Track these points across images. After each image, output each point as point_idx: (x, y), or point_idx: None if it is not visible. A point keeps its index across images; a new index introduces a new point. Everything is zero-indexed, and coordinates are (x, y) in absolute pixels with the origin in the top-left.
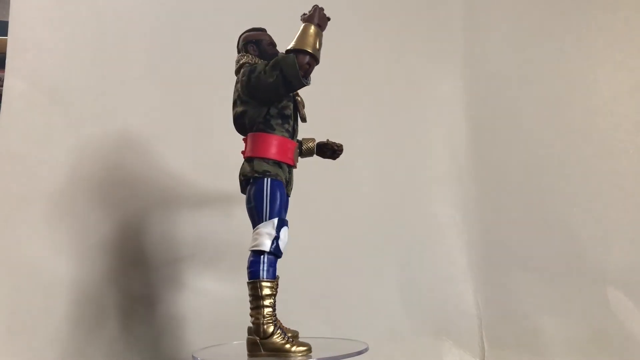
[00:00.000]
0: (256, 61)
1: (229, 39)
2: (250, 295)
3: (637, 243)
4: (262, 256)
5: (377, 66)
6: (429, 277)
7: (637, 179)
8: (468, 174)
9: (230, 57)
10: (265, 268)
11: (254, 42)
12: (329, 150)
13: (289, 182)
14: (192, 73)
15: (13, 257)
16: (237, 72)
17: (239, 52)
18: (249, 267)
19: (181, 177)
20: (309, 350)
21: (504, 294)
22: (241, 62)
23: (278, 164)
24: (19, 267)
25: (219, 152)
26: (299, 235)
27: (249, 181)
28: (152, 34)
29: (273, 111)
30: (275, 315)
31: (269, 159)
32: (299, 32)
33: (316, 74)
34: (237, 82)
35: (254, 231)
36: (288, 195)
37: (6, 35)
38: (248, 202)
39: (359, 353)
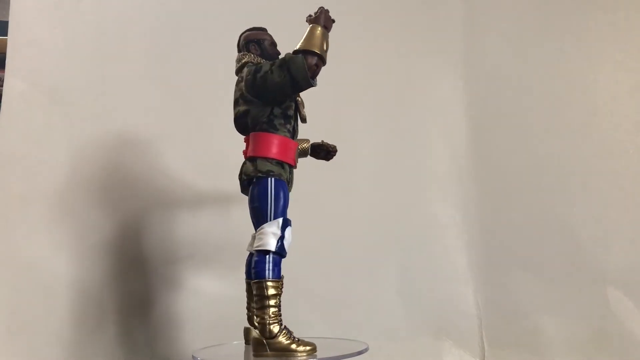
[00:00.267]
0: (259, 60)
1: (229, 39)
2: (255, 295)
3: (637, 243)
4: (267, 256)
5: (377, 66)
6: (429, 277)
7: (637, 179)
8: (468, 174)
9: (230, 57)
10: (270, 268)
11: (256, 42)
12: (323, 152)
13: (289, 182)
14: (192, 73)
15: (13, 257)
16: (237, 71)
17: (239, 51)
18: (254, 267)
19: (181, 177)
20: (314, 349)
21: (504, 294)
22: (243, 61)
23: (281, 164)
24: (19, 267)
25: (219, 152)
26: (298, 235)
27: (252, 181)
28: (152, 34)
29: (277, 111)
30: (280, 315)
31: (272, 159)
32: (306, 33)
33: None
34: (239, 81)
35: (257, 231)
36: None
37: (6, 35)
38: (251, 201)
39: (359, 353)
